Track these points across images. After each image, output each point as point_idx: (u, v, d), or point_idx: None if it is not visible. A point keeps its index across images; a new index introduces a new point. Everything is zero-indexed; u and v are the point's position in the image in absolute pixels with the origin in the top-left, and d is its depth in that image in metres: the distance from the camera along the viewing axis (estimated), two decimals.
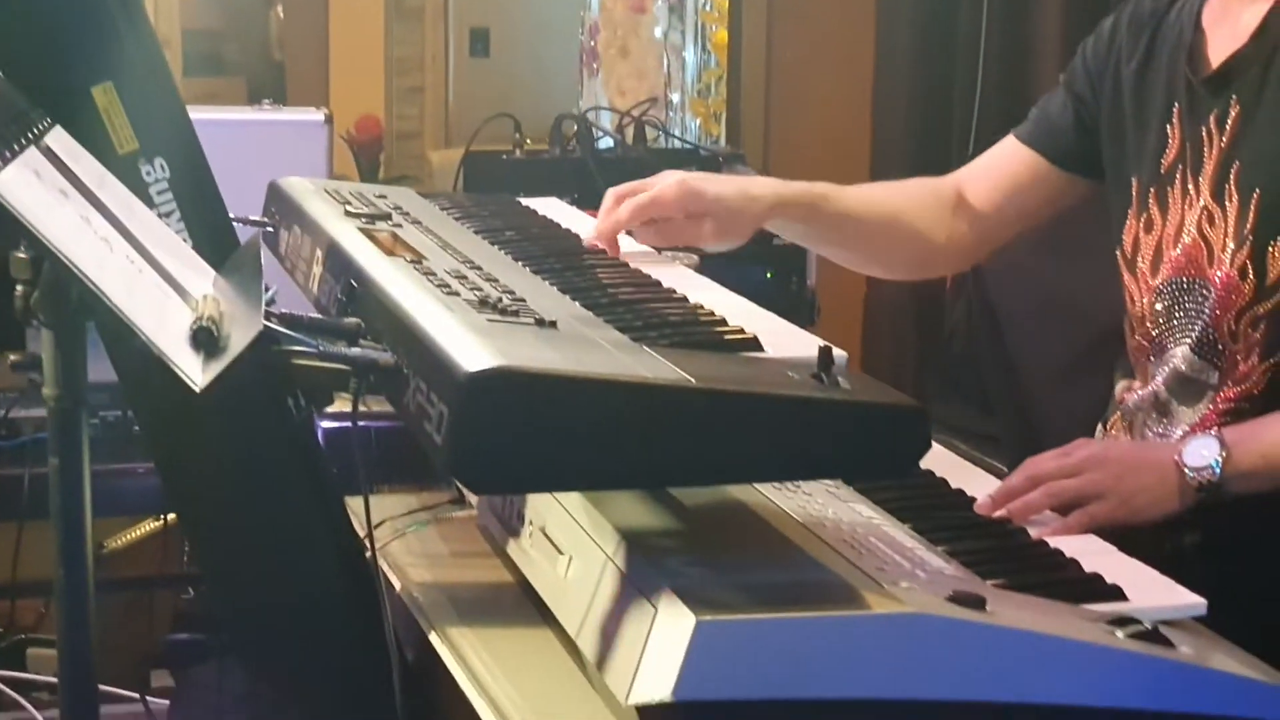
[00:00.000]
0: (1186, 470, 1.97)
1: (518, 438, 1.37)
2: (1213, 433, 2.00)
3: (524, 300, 1.64)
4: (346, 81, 5.60)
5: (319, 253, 1.92)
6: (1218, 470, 1.96)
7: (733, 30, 5.78)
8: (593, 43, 6.00)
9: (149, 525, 3.41)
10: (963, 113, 4.99)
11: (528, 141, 4.23)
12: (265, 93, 4.45)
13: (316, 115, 3.49)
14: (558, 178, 2.59)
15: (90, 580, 1.67)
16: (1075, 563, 1.73)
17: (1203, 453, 1.97)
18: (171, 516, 3.42)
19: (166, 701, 3.27)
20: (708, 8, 5.89)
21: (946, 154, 4.83)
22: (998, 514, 1.88)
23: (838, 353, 1.56)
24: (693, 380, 1.43)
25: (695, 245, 2.31)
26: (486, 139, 4.33)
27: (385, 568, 1.93)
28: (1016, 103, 4.69)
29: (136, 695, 3.24)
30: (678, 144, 4.82)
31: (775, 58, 5.65)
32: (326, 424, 2.22)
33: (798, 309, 3.74)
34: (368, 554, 1.79)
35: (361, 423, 2.49)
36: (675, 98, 5.95)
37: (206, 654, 3.16)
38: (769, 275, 3.77)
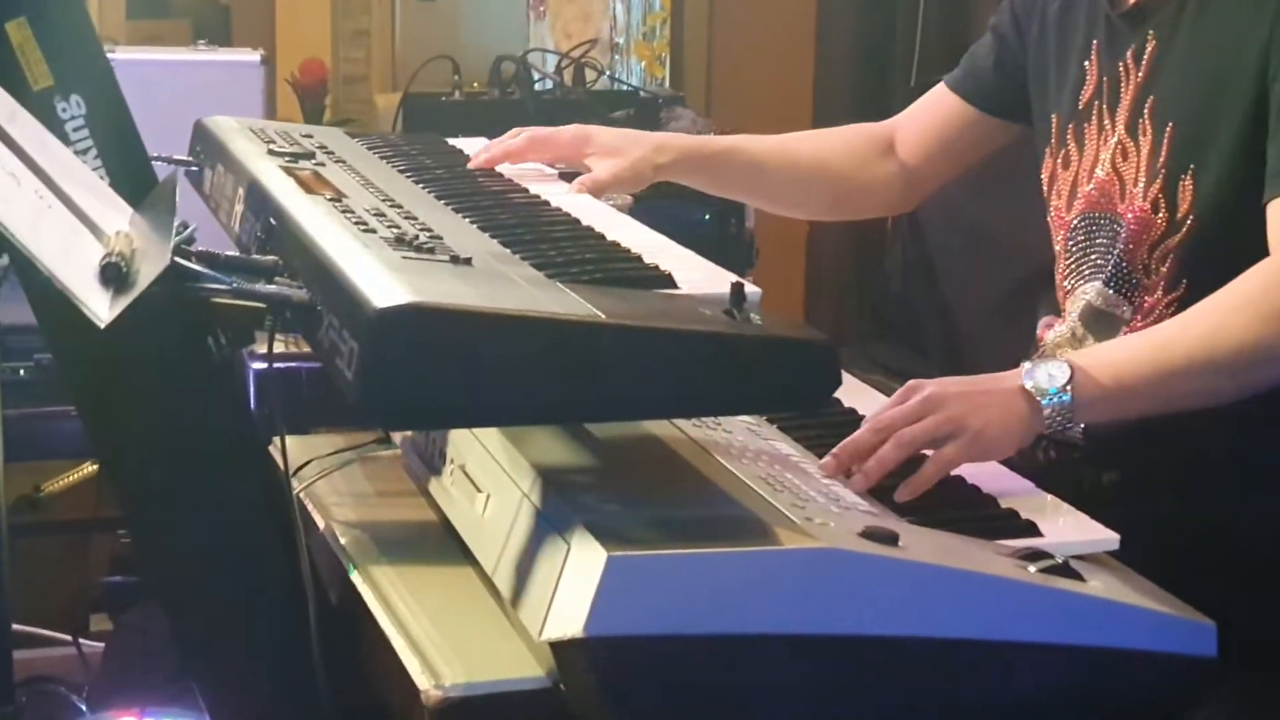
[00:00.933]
0: (1035, 394, 1.87)
1: (427, 373, 1.37)
2: (1060, 356, 1.93)
3: (441, 238, 1.63)
4: (292, 25, 5.56)
5: (240, 191, 1.91)
6: (1067, 393, 1.86)
7: None
8: None
9: (86, 469, 3.39)
10: (904, 51, 4.99)
11: (475, 84, 4.21)
12: (209, 36, 4.41)
13: (252, 56, 3.47)
14: (497, 120, 2.58)
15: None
16: (991, 499, 1.73)
17: (1051, 376, 1.87)
18: None
19: (103, 645, 3.27)
20: None
21: (889, 94, 4.83)
22: (855, 485, 1.75)
23: (750, 288, 1.56)
24: (603, 316, 1.43)
25: (605, 188, 2.32)
26: (431, 82, 4.31)
27: (310, 507, 1.93)
28: (957, 42, 4.70)
29: (71, 639, 3.23)
30: (617, 86, 4.80)
31: (718, 1, 5.63)
32: (257, 365, 2.22)
33: (736, 251, 3.73)
34: (298, 490, 1.80)
35: (296, 364, 2.50)
36: (620, 41, 5.93)
37: (143, 596, 3.16)
38: (707, 217, 3.76)
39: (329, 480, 2.04)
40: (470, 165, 2.26)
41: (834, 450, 1.78)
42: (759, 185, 2.51)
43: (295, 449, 2.06)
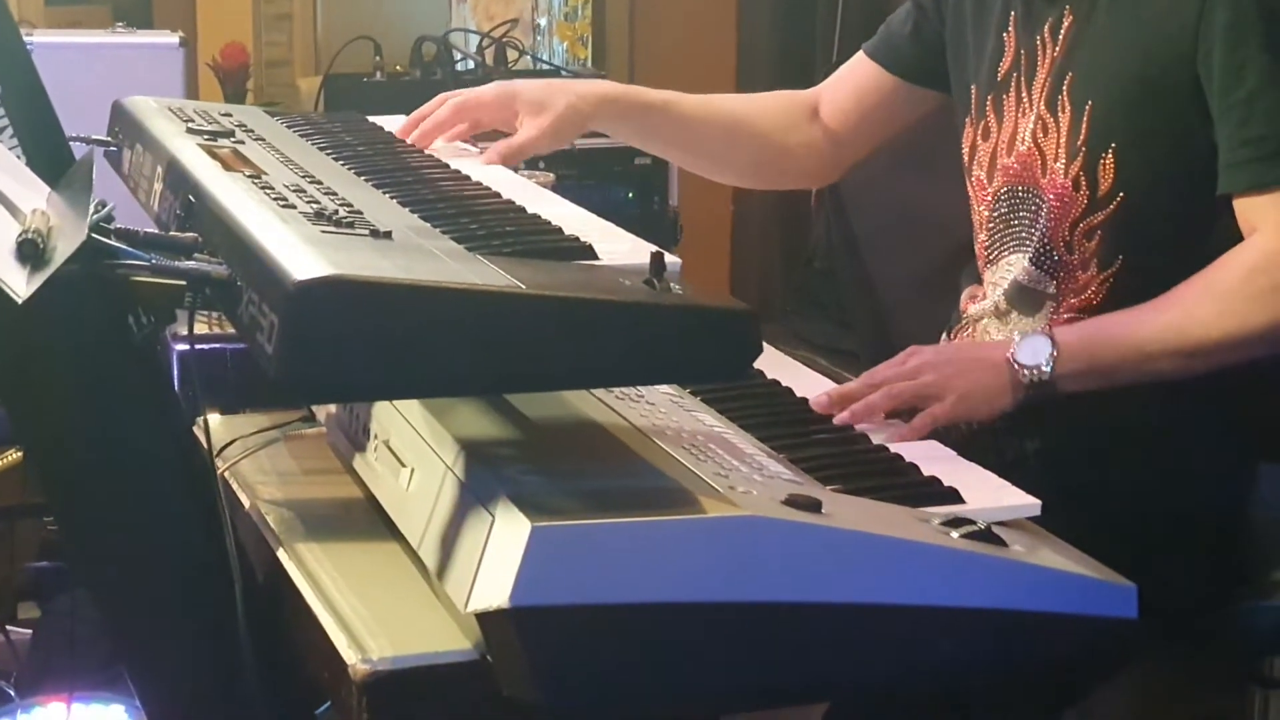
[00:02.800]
0: (1018, 367, 2.00)
1: (347, 346, 1.36)
2: (1044, 332, 2.03)
3: (361, 213, 1.63)
4: (213, 8, 5.52)
5: (159, 169, 1.90)
6: (1049, 369, 1.99)
7: None
8: None
9: (11, 455, 3.37)
10: (826, 26, 5.00)
11: (396, 67, 4.20)
12: (129, 20, 4.38)
13: (171, 39, 3.46)
14: (418, 100, 2.58)
15: None
16: (914, 467, 1.74)
17: (1035, 351, 2.00)
18: None
19: (30, 632, 3.25)
20: None
21: (812, 70, 4.84)
22: (841, 418, 1.88)
23: (670, 259, 1.57)
24: (523, 286, 1.43)
25: (527, 150, 2.35)
26: (352, 64, 4.30)
27: (235, 486, 1.92)
28: (879, 16, 4.72)
29: None
30: (539, 66, 4.80)
31: None
32: (180, 347, 2.21)
33: (660, 229, 3.74)
34: (223, 470, 1.79)
35: (221, 345, 2.49)
36: (543, 22, 5.92)
37: (71, 582, 3.14)
38: (629, 196, 3.77)
39: (254, 459, 2.03)
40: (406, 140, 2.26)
41: (827, 391, 1.91)
42: (683, 140, 2.52)
43: (220, 429, 2.05)
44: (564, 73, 4.48)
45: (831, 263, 4.05)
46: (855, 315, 3.78)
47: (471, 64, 4.24)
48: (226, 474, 1.94)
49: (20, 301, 1.35)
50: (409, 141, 2.27)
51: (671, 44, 5.53)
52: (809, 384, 2.00)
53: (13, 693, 2.93)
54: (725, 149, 2.53)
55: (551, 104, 2.34)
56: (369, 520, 1.80)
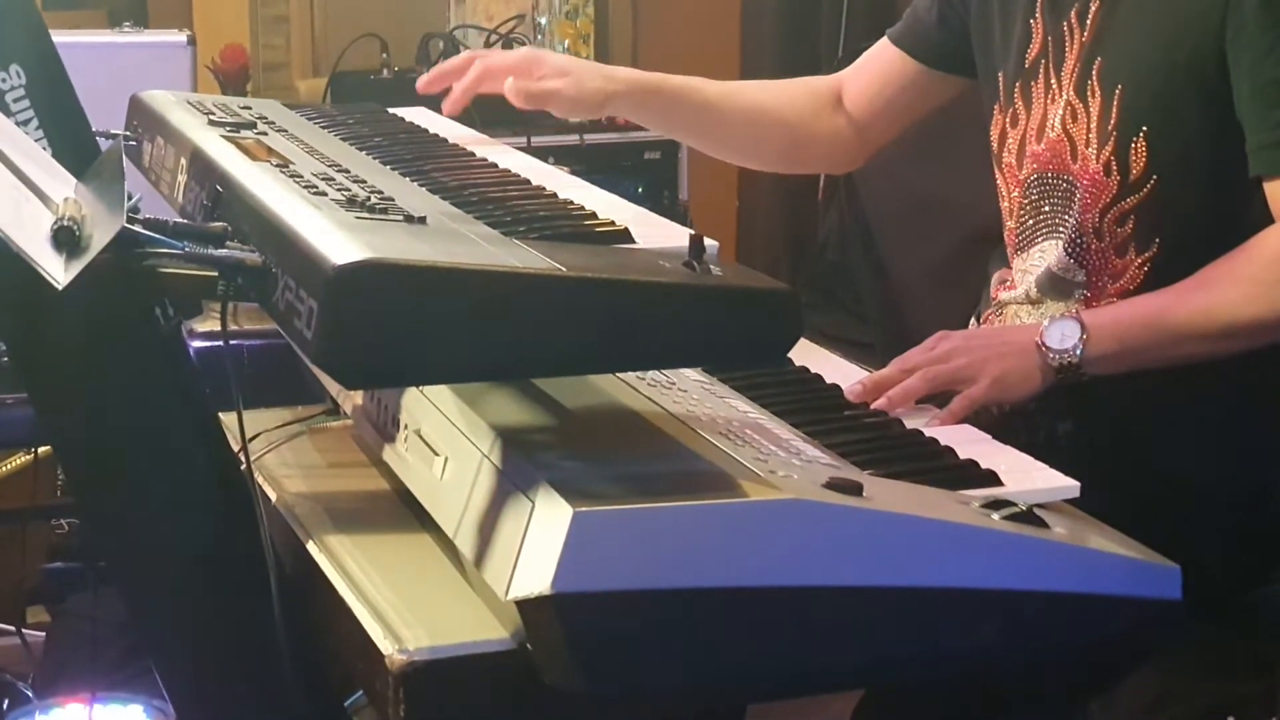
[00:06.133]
0: (1047, 351, 2.00)
1: (388, 330, 1.35)
2: (1073, 315, 2.03)
3: (392, 199, 1.62)
4: (210, 11, 5.52)
5: (183, 161, 1.89)
6: (1078, 352, 1.99)
7: None
8: None
9: (19, 459, 3.36)
10: (831, 23, 5.00)
11: (396, 67, 4.19)
12: (124, 22, 4.37)
13: (179, 37, 3.44)
14: (426, 97, 2.58)
15: None
16: (950, 450, 1.73)
17: (1063, 335, 2.00)
18: (43, 449, 3.39)
19: (43, 634, 3.24)
20: None
21: (816, 67, 4.81)
22: (879, 404, 1.88)
23: (709, 241, 1.56)
24: (564, 269, 1.42)
25: (547, 101, 2.33)
26: (352, 65, 4.29)
27: (261, 480, 1.91)
28: (884, 11, 4.72)
29: (13, 629, 3.20)
30: None
31: None
32: (197, 344, 2.20)
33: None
34: (242, 467, 1.78)
35: (237, 341, 2.47)
36: (543, 21, 5.91)
37: (83, 583, 3.13)
38: (639, 190, 3.76)
39: (278, 453, 2.02)
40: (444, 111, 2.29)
41: (860, 380, 1.92)
42: (710, 127, 2.51)
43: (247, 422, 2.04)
44: None
45: (844, 254, 4.04)
46: (870, 306, 3.78)
47: None
48: (252, 467, 1.93)
49: (60, 287, 1.34)
50: (422, 88, 2.34)
51: (674, 39, 5.53)
52: (837, 371, 1.99)
53: (30, 694, 2.92)
54: (751, 137, 2.52)
55: (577, 72, 2.34)
56: (398, 512, 1.79)
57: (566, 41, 5.77)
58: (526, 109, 2.34)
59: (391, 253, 1.38)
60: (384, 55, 4.12)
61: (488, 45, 4.23)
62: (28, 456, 3.36)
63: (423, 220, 1.53)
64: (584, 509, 1.36)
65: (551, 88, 2.30)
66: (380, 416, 1.81)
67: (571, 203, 1.78)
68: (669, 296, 1.45)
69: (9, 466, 3.36)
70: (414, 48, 4.22)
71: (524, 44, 4.37)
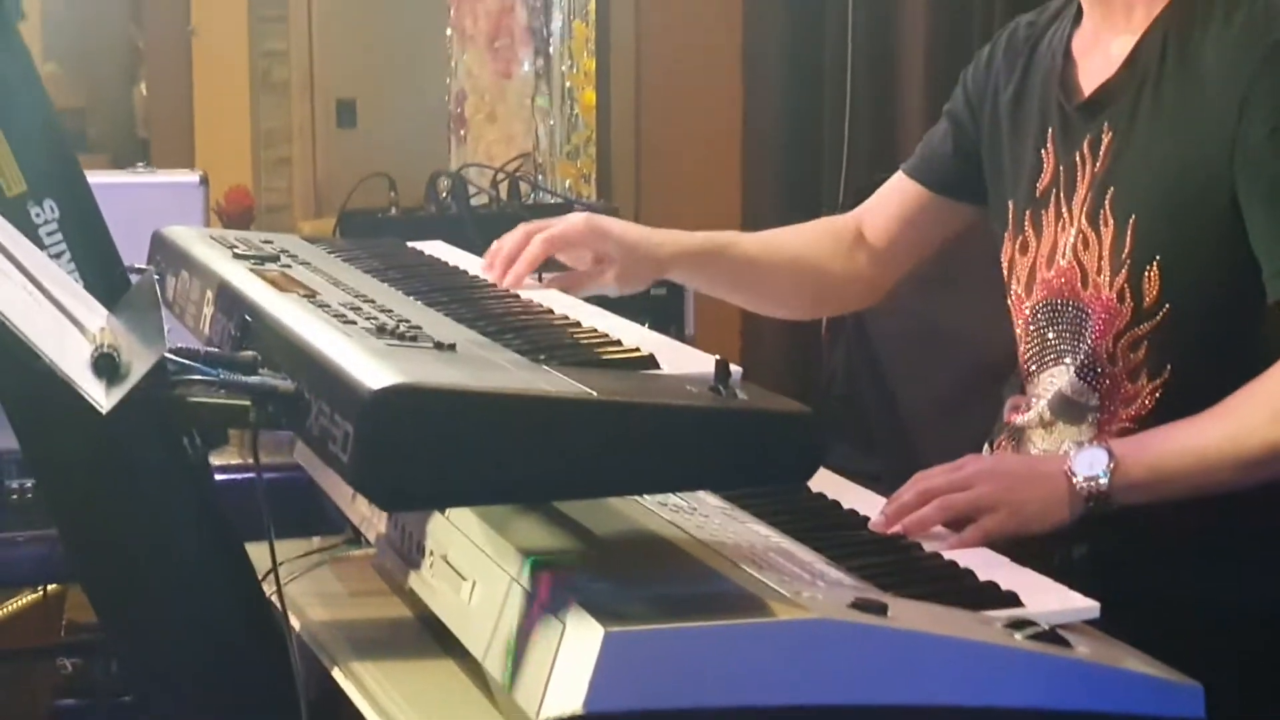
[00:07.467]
0: (1075, 480, 2.00)
1: (424, 453, 1.38)
2: (1102, 444, 2.04)
3: (420, 328, 1.65)
4: (213, 155, 5.58)
5: (209, 294, 1.92)
6: (1106, 480, 1.99)
7: (600, 92, 5.81)
8: (459, 109, 6.01)
9: (27, 597, 3.36)
10: (832, 162, 5.05)
11: (405, 205, 4.24)
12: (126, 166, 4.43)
13: (192, 177, 3.49)
14: (434, 235, 2.61)
15: None
16: (970, 572, 1.76)
17: (1092, 463, 2.00)
18: (52, 587, 3.39)
19: None
20: (574, 70, 5.92)
21: (816, 203, 4.89)
22: (894, 530, 1.90)
23: (734, 367, 1.58)
24: (594, 393, 1.45)
25: (598, 288, 2.32)
26: (358, 204, 4.34)
27: (280, 610, 1.92)
28: (886, 138, 4.78)
29: None
30: (552, 199, 4.84)
31: (644, 118, 5.69)
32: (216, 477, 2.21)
33: None
34: (269, 594, 1.79)
35: (249, 474, 2.48)
36: (544, 161, 5.97)
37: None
38: (645, 325, 3.78)
39: (299, 583, 2.04)
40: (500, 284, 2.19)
41: (883, 510, 1.94)
42: (751, 282, 2.53)
43: (262, 553, 2.06)
44: (577, 205, 4.52)
45: (851, 387, 4.07)
46: (878, 437, 3.80)
47: (485, 199, 4.28)
48: (274, 597, 1.95)
49: (104, 413, 1.36)
50: (497, 280, 2.21)
51: (677, 177, 5.59)
52: (852, 496, 2.01)
53: None
54: (791, 285, 2.55)
55: (635, 250, 2.34)
56: (422, 639, 1.81)
57: (569, 181, 5.83)
58: None
59: (426, 377, 1.41)
60: (392, 194, 4.17)
61: (494, 184, 4.27)
62: (35, 595, 3.36)
63: (452, 347, 1.56)
64: (615, 629, 1.37)
65: (603, 277, 2.31)
66: (404, 544, 1.83)
67: (596, 330, 1.81)
68: (698, 420, 1.48)
69: (16, 605, 3.36)
70: (417, 187, 4.27)
71: (529, 183, 4.42)
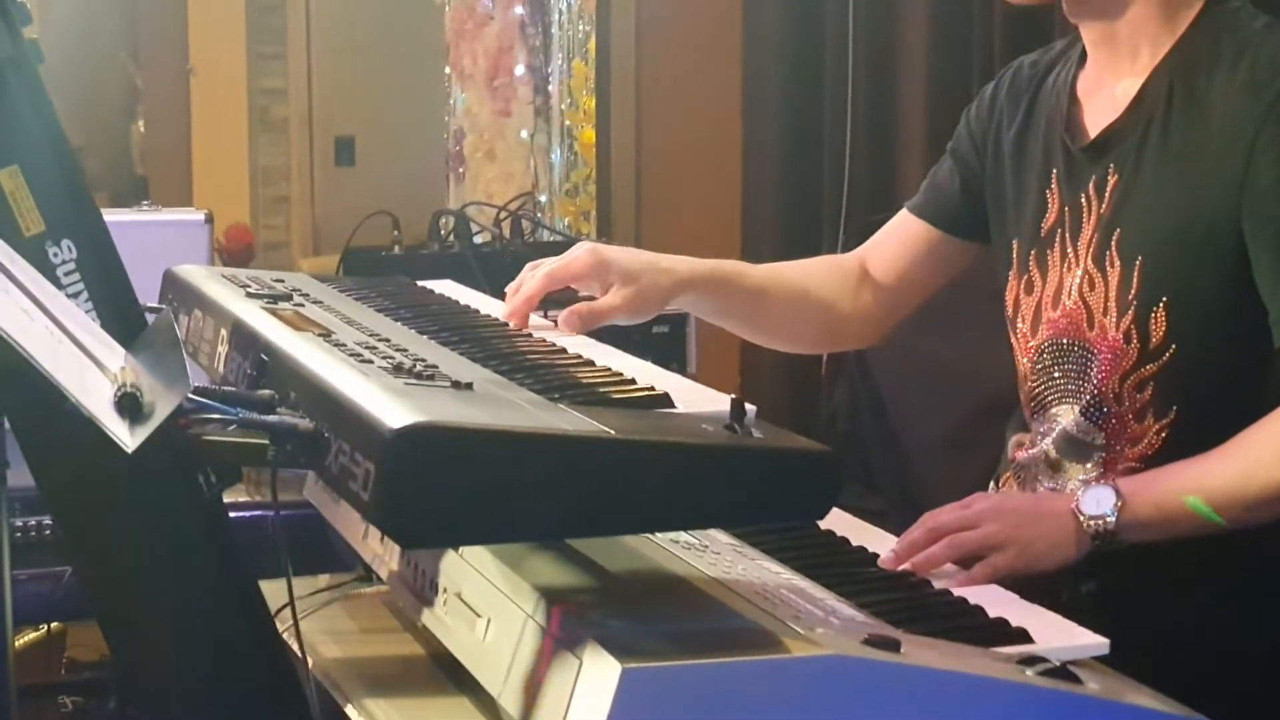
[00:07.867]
0: (1083, 518, 2.01)
1: (445, 491, 1.39)
2: (1109, 482, 2.05)
3: (436, 366, 1.66)
4: (211, 193, 5.60)
5: (223, 333, 1.93)
6: (1113, 519, 2.00)
7: (600, 130, 5.84)
8: (458, 147, 6.04)
9: (29, 635, 3.37)
10: (831, 200, 5.07)
11: (408, 243, 4.25)
12: (130, 205, 4.44)
13: (197, 215, 3.51)
14: (438, 273, 2.62)
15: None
16: (980, 609, 1.77)
17: (1099, 501, 2.01)
18: (54, 625, 3.40)
19: None
20: (573, 108, 5.95)
21: (816, 243, 4.91)
22: (902, 567, 1.92)
23: (748, 405, 1.60)
24: (611, 432, 1.47)
25: (606, 319, 2.30)
26: (360, 242, 4.35)
27: (296, 646, 1.93)
28: (886, 180, 4.79)
29: None
30: (555, 237, 4.86)
31: (644, 155, 5.72)
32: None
33: None
34: (282, 631, 1.81)
35: (259, 512, 2.49)
36: (543, 199, 5.99)
37: None
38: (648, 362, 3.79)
39: (311, 620, 2.05)
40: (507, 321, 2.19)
41: (893, 549, 1.95)
42: (759, 312, 2.51)
43: (274, 592, 2.07)
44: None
45: (854, 424, 4.09)
46: (881, 474, 3.81)
47: (488, 237, 4.30)
48: (285, 634, 1.96)
49: (130, 451, 1.38)
50: (507, 321, 2.20)
51: (677, 213, 5.61)
52: (862, 534, 2.03)
53: None
54: (797, 318, 2.55)
55: (641, 277, 2.32)
56: (434, 676, 1.83)
57: (568, 219, 5.86)
58: None
59: (446, 416, 1.42)
60: (395, 232, 4.19)
61: (497, 222, 4.29)
62: (37, 633, 3.37)
63: (469, 386, 1.57)
64: (632, 665, 1.39)
65: (611, 307, 2.29)
66: (418, 581, 1.84)
67: (610, 369, 1.83)
68: (715, 458, 1.50)
69: (17, 643, 3.36)
70: (416, 225, 4.29)
71: (532, 221, 4.44)
